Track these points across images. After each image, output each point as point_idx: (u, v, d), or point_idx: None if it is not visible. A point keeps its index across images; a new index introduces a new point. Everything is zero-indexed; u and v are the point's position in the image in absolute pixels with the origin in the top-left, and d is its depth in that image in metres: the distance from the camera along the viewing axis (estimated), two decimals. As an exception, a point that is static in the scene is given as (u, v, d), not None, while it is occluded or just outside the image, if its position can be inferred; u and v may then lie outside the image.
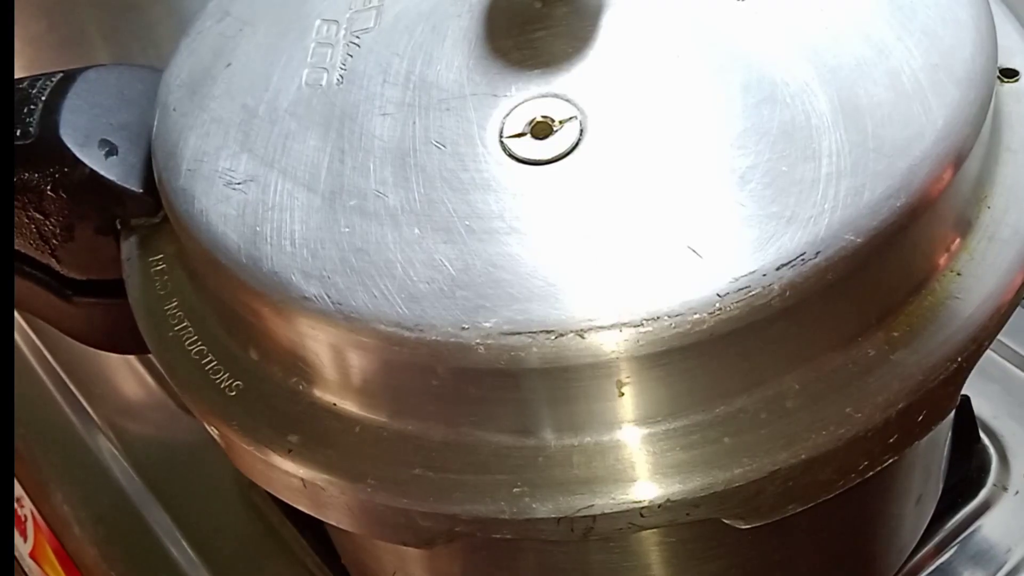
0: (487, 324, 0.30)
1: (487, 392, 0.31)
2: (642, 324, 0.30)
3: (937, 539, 0.49)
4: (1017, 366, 0.54)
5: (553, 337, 0.30)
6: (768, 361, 0.32)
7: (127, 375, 0.59)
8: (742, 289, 0.30)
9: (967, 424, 0.51)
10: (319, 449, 0.33)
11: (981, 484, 0.51)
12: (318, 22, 0.38)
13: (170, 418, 0.56)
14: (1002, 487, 0.50)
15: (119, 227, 0.39)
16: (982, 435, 0.52)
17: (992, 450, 0.51)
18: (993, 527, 0.49)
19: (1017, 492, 0.50)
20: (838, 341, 0.32)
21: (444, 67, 0.36)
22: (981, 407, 0.52)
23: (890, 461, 0.33)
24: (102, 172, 0.37)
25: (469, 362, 0.30)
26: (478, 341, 0.30)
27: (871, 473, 0.33)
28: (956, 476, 0.49)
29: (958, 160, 0.33)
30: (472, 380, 0.31)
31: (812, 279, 0.30)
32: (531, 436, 0.32)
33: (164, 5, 0.63)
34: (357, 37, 0.38)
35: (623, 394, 0.31)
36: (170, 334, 0.36)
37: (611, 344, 0.30)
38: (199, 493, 0.53)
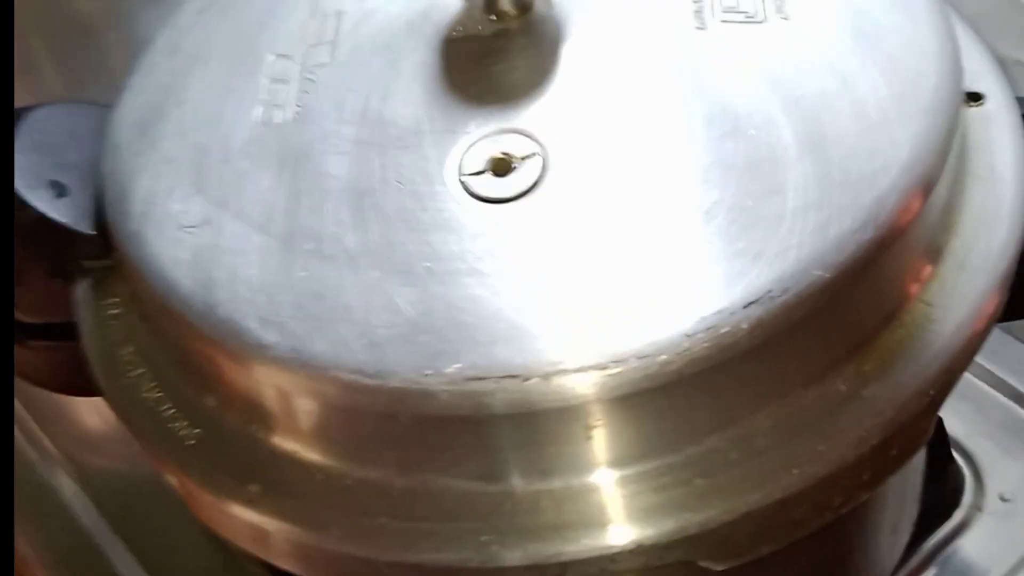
0: (450, 369, 0.29)
1: (452, 438, 0.31)
2: (609, 367, 0.29)
3: (914, 563, 0.49)
4: (990, 384, 0.53)
5: (518, 382, 0.29)
6: (738, 400, 0.31)
7: (87, 408, 0.57)
8: (710, 328, 0.29)
9: (941, 444, 0.50)
10: (280, 498, 0.32)
11: (956, 505, 0.50)
12: (271, 57, 0.38)
13: (133, 452, 0.55)
14: (977, 508, 0.50)
15: (72, 269, 0.38)
16: (956, 455, 0.51)
17: (966, 471, 0.51)
18: (971, 549, 0.49)
19: (993, 513, 0.50)
20: (808, 377, 0.32)
21: (401, 103, 0.35)
22: (954, 426, 0.52)
23: (864, 497, 0.32)
24: (52, 215, 0.36)
25: (432, 409, 0.30)
26: (441, 387, 0.29)
27: (845, 510, 0.32)
28: (931, 498, 0.49)
29: (926, 190, 0.32)
30: (436, 427, 0.30)
31: (780, 316, 0.30)
32: (498, 482, 0.31)
33: (118, 31, 0.61)
34: (312, 72, 0.37)
35: (591, 438, 0.30)
36: (125, 381, 0.35)
37: (578, 388, 0.29)
38: (164, 531, 0.51)
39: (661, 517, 0.30)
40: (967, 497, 0.50)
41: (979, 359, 0.54)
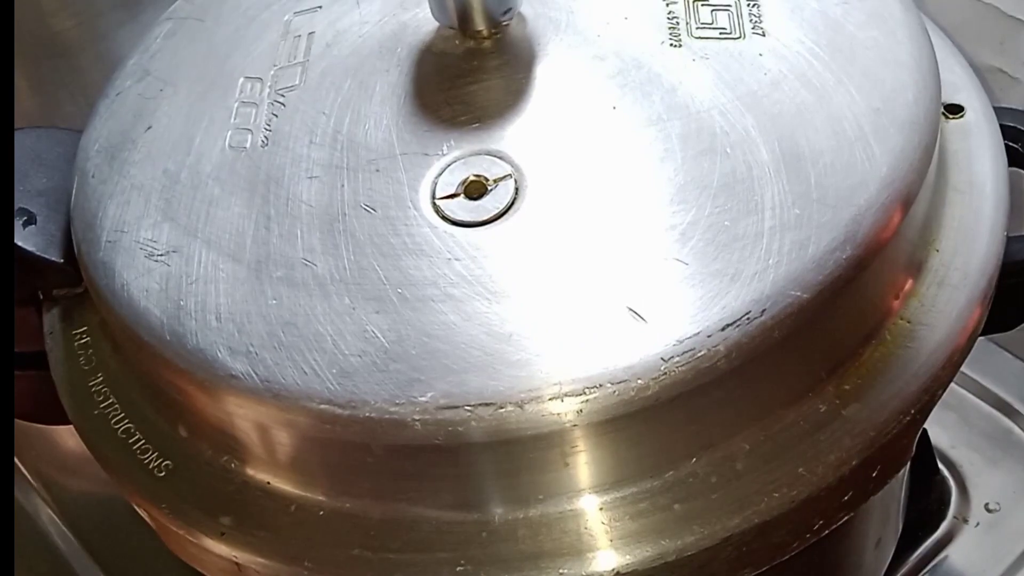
0: (423, 398, 0.29)
1: (425, 468, 0.30)
2: (584, 392, 0.29)
3: (900, 575, 0.48)
4: (975, 394, 0.53)
5: (493, 409, 0.29)
6: (716, 423, 0.31)
7: (63, 432, 0.56)
8: (687, 352, 0.29)
9: (925, 456, 0.50)
10: (253, 531, 0.32)
11: (942, 517, 0.50)
12: (241, 80, 0.37)
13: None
14: (963, 519, 0.50)
15: (41, 298, 0.37)
16: (940, 466, 0.51)
17: (951, 481, 0.51)
18: (957, 559, 0.49)
19: (978, 524, 0.49)
20: (788, 399, 0.31)
21: (373, 125, 0.35)
22: (938, 437, 0.52)
23: (845, 519, 0.32)
24: (20, 243, 0.36)
25: (405, 438, 0.29)
26: (414, 417, 0.29)
27: (826, 532, 0.32)
28: (916, 509, 0.49)
29: (904, 206, 0.32)
30: (409, 456, 0.30)
31: (758, 338, 0.29)
32: (474, 511, 0.31)
33: (92, 51, 0.61)
34: (282, 95, 0.36)
35: (568, 464, 0.30)
36: (95, 412, 0.35)
37: (553, 415, 0.29)
38: (140, 557, 0.51)
39: (640, 544, 0.30)
40: (952, 508, 0.50)
41: (963, 368, 0.54)
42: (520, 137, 0.34)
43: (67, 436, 0.57)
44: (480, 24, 0.36)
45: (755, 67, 0.35)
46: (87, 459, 0.56)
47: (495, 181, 0.33)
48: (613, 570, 0.30)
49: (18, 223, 0.36)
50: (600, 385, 0.29)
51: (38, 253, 0.36)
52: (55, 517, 0.54)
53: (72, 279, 0.36)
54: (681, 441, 0.31)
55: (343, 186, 0.33)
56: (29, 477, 0.56)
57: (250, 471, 0.32)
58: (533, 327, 0.30)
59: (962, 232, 0.35)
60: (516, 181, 0.33)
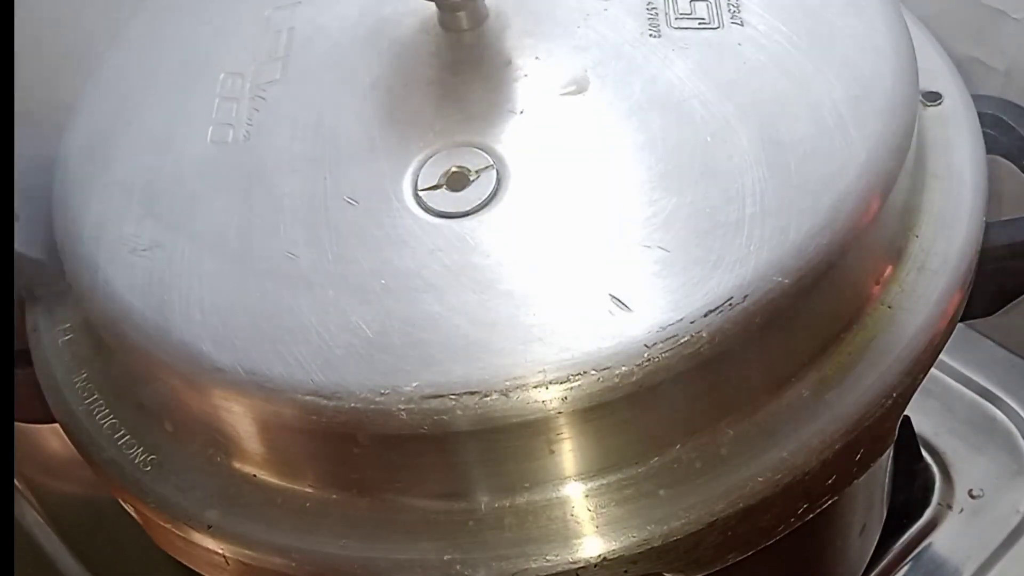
0: (408, 388, 0.29)
1: (412, 458, 0.30)
2: (569, 380, 0.29)
3: (885, 562, 0.49)
4: (957, 382, 0.54)
5: (478, 398, 0.29)
6: (700, 409, 0.31)
7: (47, 433, 0.56)
8: (670, 338, 0.29)
9: (909, 443, 0.50)
10: (240, 524, 0.32)
11: (926, 503, 0.50)
12: (222, 75, 0.37)
13: (94, 477, 0.54)
14: (947, 506, 0.50)
15: (23, 296, 0.37)
16: (924, 453, 0.51)
17: (935, 468, 0.51)
18: (942, 545, 0.49)
19: (962, 510, 0.50)
20: (771, 384, 0.32)
21: (354, 118, 0.35)
22: (922, 424, 0.52)
23: (829, 503, 0.32)
24: (2, 240, 0.36)
25: (391, 428, 0.29)
26: (399, 406, 0.29)
27: (811, 516, 0.32)
28: (901, 496, 0.49)
29: (883, 193, 0.32)
30: (395, 446, 0.30)
31: (741, 324, 0.30)
32: (460, 500, 0.31)
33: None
34: (263, 90, 0.36)
35: (553, 452, 0.30)
36: (80, 408, 0.35)
37: (538, 402, 0.29)
38: (126, 557, 0.51)
39: (626, 529, 0.30)
40: (937, 495, 0.50)
41: (945, 356, 0.54)
42: (501, 128, 0.34)
43: (51, 437, 0.57)
44: (460, 18, 0.36)
45: (734, 56, 0.35)
46: (71, 460, 0.56)
47: (477, 172, 0.33)
48: (599, 556, 0.30)
49: (-1, 220, 0.36)
50: (584, 372, 0.29)
51: (20, 250, 0.36)
52: (39, 519, 0.54)
53: (55, 276, 0.36)
54: (665, 427, 0.31)
55: (325, 179, 0.33)
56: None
57: (236, 464, 0.32)
58: (516, 316, 0.30)
59: (941, 218, 0.35)
60: (498, 172, 0.33)
